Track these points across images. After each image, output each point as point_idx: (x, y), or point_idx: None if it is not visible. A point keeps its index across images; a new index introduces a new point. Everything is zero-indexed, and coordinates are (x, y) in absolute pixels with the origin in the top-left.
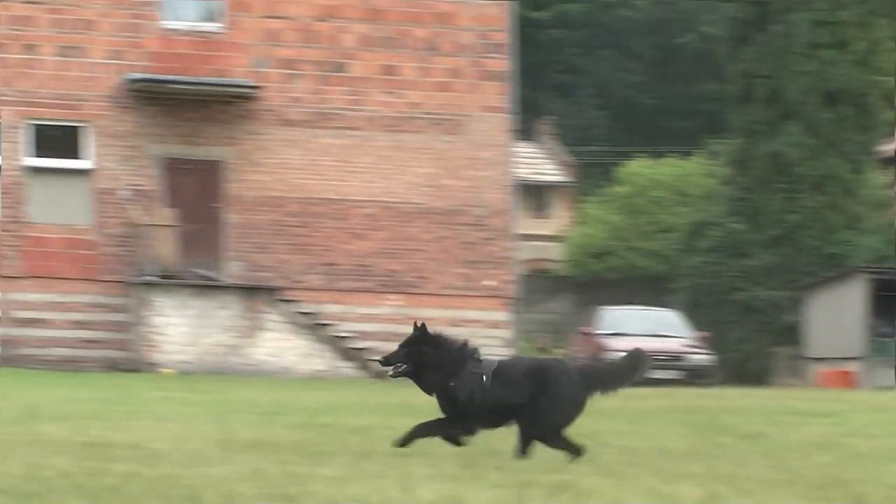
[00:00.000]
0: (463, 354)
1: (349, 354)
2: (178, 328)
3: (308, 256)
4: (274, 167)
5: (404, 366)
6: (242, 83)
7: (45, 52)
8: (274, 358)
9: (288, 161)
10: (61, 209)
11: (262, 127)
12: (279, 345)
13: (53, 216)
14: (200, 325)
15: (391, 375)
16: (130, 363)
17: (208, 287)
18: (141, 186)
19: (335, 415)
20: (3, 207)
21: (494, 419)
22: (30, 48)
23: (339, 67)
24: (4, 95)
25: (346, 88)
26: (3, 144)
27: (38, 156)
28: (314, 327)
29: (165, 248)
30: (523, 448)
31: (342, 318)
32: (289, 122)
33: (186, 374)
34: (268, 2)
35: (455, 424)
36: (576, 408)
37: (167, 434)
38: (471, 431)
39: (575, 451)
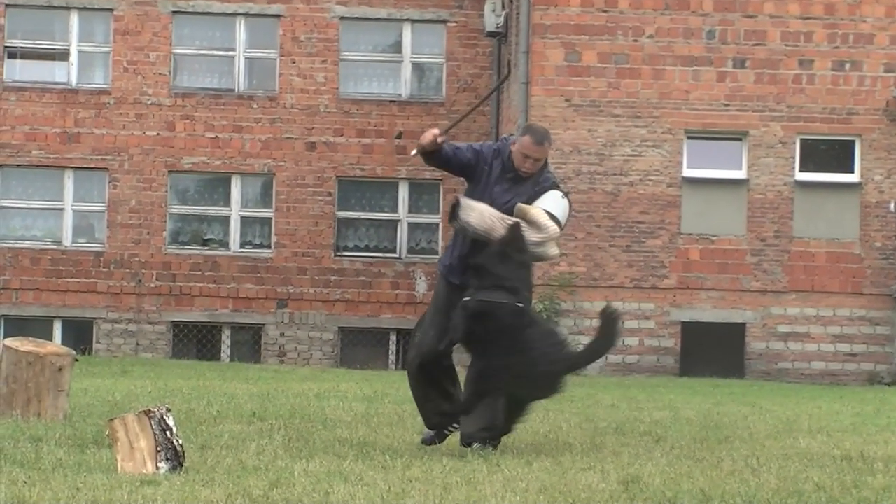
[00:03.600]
0: None
1: None
2: None
3: None
4: None
5: None
6: None
7: (819, 67)
8: None
9: None
10: (827, 223)
11: None
12: None
13: (818, 230)
14: None
15: None
16: (891, 376)
17: None
18: None
19: None
20: (770, 223)
21: None
22: (805, 64)
23: None
24: (777, 111)
25: None
26: (773, 159)
27: (806, 170)
28: None
29: None
30: None
31: None
32: None
33: None
34: None
35: None
36: None
37: None
38: None
39: None
